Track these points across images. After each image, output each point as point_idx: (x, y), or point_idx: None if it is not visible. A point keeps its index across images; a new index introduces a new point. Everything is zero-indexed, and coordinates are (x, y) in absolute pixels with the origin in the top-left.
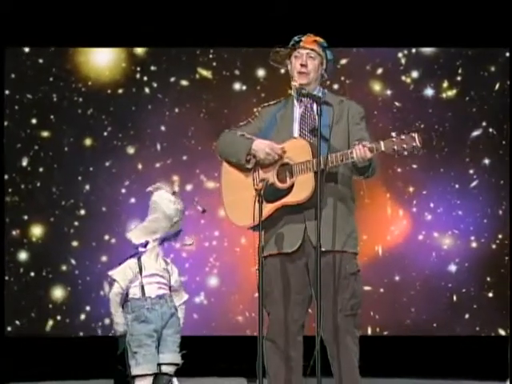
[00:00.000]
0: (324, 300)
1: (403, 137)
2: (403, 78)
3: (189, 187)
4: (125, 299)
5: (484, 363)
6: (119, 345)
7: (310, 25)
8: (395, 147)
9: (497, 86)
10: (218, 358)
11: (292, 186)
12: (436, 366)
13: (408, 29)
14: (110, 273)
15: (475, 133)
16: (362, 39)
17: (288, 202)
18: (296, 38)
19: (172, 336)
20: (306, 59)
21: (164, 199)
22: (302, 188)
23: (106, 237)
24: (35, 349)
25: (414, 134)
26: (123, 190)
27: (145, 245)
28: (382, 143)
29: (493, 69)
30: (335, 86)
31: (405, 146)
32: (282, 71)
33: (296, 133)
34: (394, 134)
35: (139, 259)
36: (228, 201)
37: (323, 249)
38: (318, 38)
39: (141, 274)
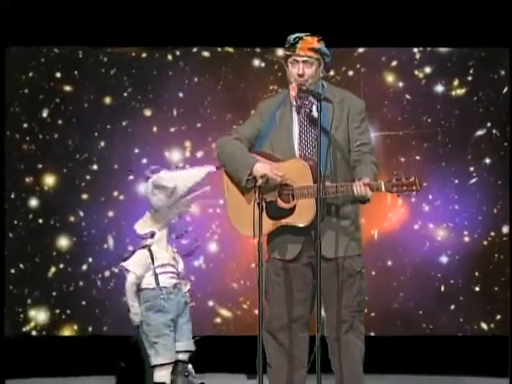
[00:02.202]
0: (330, 298)
1: (403, 181)
2: (416, 72)
3: (199, 154)
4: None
5: (482, 361)
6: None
7: (322, 24)
8: (395, 189)
9: (505, 89)
10: (218, 355)
11: (294, 207)
12: (436, 363)
13: (422, 28)
14: (123, 264)
15: (479, 132)
16: (374, 39)
17: (289, 223)
18: (291, 40)
19: (186, 324)
20: (302, 68)
21: (147, 193)
22: (304, 213)
23: (115, 193)
24: (36, 346)
25: (413, 179)
26: (136, 150)
27: (152, 235)
28: (382, 185)
29: (503, 72)
30: (350, 73)
31: (404, 188)
32: None
33: (296, 133)
34: (394, 180)
35: (149, 250)
36: (231, 207)
37: (327, 256)
38: (314, 44)
39: (153, 264)
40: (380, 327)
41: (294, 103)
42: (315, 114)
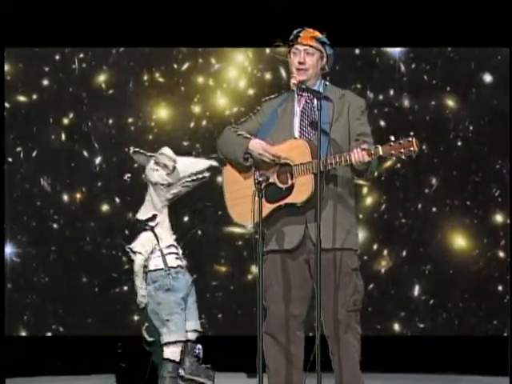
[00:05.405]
0: (326, 296)
1: (401, 141)
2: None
3: None
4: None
5: (482, 360)
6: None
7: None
8: (393, 152)
9: (505, 89)
10: (218, 354)
11: (292, 187)
12: (436, 362)
13: (421, 28)
14: (130, 246)
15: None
16: (373, 39)
17: (288, 203)
18: (295, 33)
19: (194, 304)
20: (303, 56)
21: (148, 169)
22: (302, 189)
23: None
24: (36, 345)
25: (411, 139)
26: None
27: (153, 219)
28: (380, 148)
29: (503, 72)
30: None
31: (402, 150)
32: None
33: (296, 128)
34: (392, 139)
35: (153, 231)
36: (229, 199)
37: (323, 247)
38: (316, 34)
39: (159, 245)
40: (380, 326)
41: (296, 96)
42: (316, 111)
